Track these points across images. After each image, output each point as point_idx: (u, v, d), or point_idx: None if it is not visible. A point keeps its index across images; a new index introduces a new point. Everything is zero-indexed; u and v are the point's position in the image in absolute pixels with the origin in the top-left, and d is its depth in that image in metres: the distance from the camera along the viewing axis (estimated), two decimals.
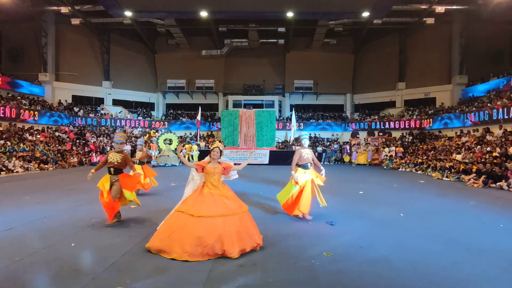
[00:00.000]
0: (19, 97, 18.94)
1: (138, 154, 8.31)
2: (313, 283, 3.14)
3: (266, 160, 19.05)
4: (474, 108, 17.12)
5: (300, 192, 5.50)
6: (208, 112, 27.11)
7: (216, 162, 4.38)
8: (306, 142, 5.82)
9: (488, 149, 12.89)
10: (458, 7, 19.40)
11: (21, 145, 15.01)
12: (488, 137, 14.26)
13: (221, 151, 4.44)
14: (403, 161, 17.71)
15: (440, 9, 19.15)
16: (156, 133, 21.69)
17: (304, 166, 5.65)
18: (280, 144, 22.79)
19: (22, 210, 6.11)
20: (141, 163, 8.15)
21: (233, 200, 4.19)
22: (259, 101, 26.50)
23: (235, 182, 5.41)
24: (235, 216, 4.00)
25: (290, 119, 21.63)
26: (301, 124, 24.85)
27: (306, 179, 5.53)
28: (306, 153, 5.66)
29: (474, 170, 11.42)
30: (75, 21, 21.34)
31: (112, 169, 5.12)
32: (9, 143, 14.50)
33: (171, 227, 3.89)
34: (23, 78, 20.92)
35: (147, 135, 21.24)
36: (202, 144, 21.14)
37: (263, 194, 8.16)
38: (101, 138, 20.24)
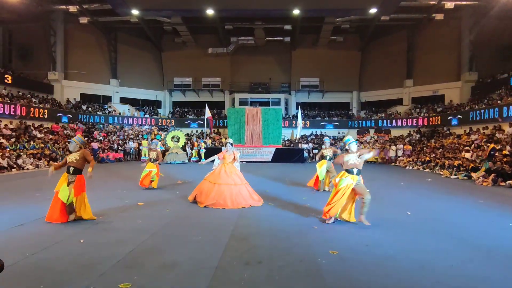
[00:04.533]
0: (29, 95, 19.24)
1: (153, 154, 8.72)
2: (318, 281, 3.14)
3: (270, 157, 19.02)
4: (483, 106, 16.87)
5: (335, 194, 5.17)
6: (215, 110, 27.18)
7: (230, 152, 6.86)
8: (352, 147, 5.32)
9: (498, 147, 12.69)
10: (467, 2, 19.07)
11: (31, 142, 15.27)
12: (498, 135, 14.04)
13: (231, 144, 7.00)
14: (410, 159, 17.55)
15: (449, 4, 18.83)
16: (161, 132, 21.85)
17: (350, 171, 5.20)
18: (286, 142, 22.75)
19: (33, 206, 6.22)
20: (154, 161, 8.61)
21: (238, 176, 6.67)
22: (265, 99, 26.45)
23: None
24: (236, 186, 6.50)
25: (296, 117, 21.56)
26: (307, 122, 24.79)
27: (347, 183, 5.11)
28: (350, 158, 5.21)
29: (483, 168, 11.24)
30: (83, 20, 21.55)
31: (71, 168, 5.14)
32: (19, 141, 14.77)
33: (200, 188, 6.68)
34: (32, 76, 21.24)
35: (152, 133, 21.40)
36: (209, 142, 21.22)
37: (269, 192, 8.17)
38: (109, 138, 20.45)
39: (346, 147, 5.41)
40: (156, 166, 8.55)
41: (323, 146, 9.13)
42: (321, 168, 8.33)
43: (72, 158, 5.18)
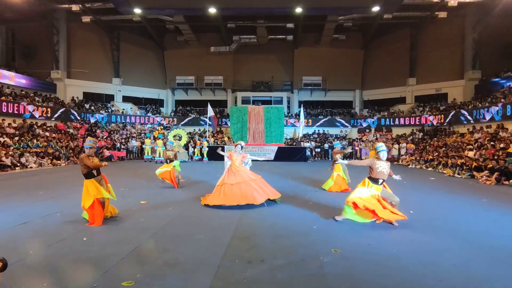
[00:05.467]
0: (32, 94, 19.33)
1: (171, 154, 8.75)
2: (321, 280, 3.14)
3: (272, 156, 19.03)
4: (487, 104, 16.76)
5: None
6: (217, 109, 27.16)
7: (238, 153, 6.75)
8: (383, 155, 5.18)
9: (502, 145, 12.61)
10: (471, 0, 18.91)
11: (35, 141, 15.34)
12: (502, 134, 13.95)
13: (241, 147, 6.87)
14: (413, 157, 17.47)
15: (452, 2, 18.68)
16: (164, 130, 21.86)
17: (375, 181, 5.10)
18: (288, 140, 22.71)
19: (36, 204, 6.26)
20: (171, 161, 8.66)
21: (247, 173, 6.61)
22: (268, 97, 26.42)
23: None
24: (249, 181, 6.40)
25: (299, 116, 21.51)
26: (310, 120, 24.75)
27: (373, 193, 5.03)
28: (381, 165, 5.08)
29: (489, 166, 11.11)
30: (86, 19, 21.60)
31: (95, 170, 5.21)
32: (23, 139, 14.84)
33: (216, 193, 6.41)
34: (35, 75, 21.32)
35: (156, 132, 21.43)
36: (211, 140, 21.23)
37: None
38: (112, 136, 20.52)
39: (375, 154, 5.31)
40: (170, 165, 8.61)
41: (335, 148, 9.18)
42: (342, 171, 8.41)
43: (96, 160, 5.25)
